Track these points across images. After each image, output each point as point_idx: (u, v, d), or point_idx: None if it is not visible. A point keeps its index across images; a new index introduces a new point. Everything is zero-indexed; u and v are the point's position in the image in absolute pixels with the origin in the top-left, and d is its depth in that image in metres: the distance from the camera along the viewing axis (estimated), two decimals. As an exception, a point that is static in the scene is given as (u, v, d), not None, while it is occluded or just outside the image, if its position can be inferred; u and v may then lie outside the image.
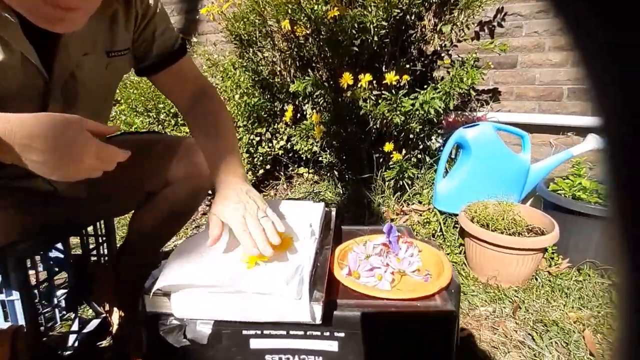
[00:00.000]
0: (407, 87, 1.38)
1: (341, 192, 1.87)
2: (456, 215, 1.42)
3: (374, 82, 1.34)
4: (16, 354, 0.67)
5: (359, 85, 1.31)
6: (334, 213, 0.93)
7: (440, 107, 1.35)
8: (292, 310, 0.53)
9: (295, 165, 2.15)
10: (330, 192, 1.89)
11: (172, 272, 0.57)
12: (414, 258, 0.72)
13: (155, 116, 1.86)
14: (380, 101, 1.36)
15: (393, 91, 1.32)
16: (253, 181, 2.02)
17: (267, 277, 0.56)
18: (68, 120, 0.57)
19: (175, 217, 0.94)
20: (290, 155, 2.16)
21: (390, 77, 1.29)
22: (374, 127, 1.48)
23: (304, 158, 2.03)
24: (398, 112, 1.33)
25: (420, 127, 1.46)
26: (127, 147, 0.94)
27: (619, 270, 0.10)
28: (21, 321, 0.76)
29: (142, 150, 0.90)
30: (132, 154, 0.90)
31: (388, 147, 1.39)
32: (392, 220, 1.58)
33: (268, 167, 2.05)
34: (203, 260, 0.62)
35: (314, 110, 1.57)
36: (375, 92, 1.38)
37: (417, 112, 1.40)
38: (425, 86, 1.45)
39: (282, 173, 2.11)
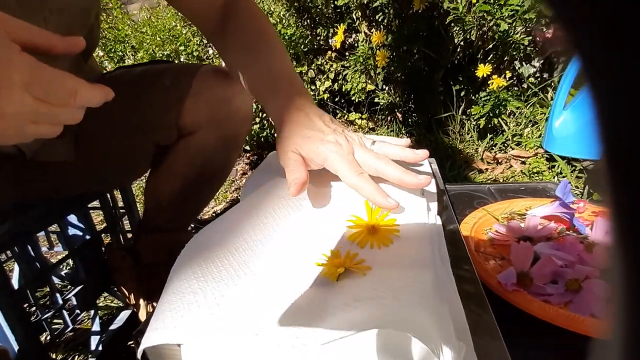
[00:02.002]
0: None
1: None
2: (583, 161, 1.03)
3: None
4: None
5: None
6: (435, 166, 0.59)
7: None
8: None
9: (345, 111, 1.80)
10: (391, 140, 1.53)
11: (177, 311, 0.28)
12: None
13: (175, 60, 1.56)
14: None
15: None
16: (296, 133, 1.71)
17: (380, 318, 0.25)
18: None
19: (201, 178, 0.66)
20: (337, 99, 1.80)
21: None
22: (460, 44, 1.06)
23: (355, 101, 1.66)
24: (504, 14, 0.90)
25: (529, 39, 1.02)
26: (121, 88, 0.66)
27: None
28: (10, 337, 0.55)
29: (142, 89, 0.61)
30: (129, 95, 0.62)
31: (483, 69, 0.99)
32: (480, 171, 1.21)
33: (312, 114, 1.71)
34: (233, 267, 0.32)
35: (373, 30, 1.17)
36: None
37: (523, 17, 0.95)
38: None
39: (329, 121, 1.77)
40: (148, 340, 0.27)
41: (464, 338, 0.24)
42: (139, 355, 0.29)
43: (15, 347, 0.56)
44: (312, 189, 0.43)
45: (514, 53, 1.07)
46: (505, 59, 1.16)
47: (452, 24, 1.02)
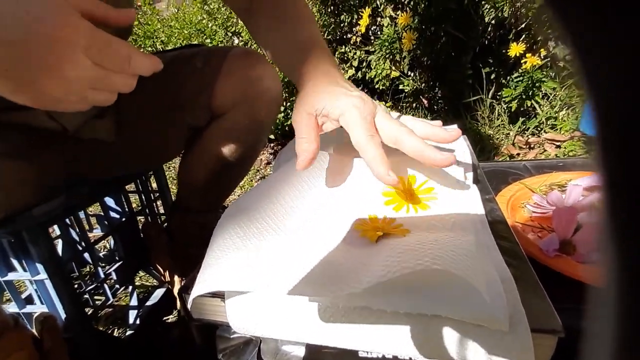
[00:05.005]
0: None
1: (432, 126, 1.48)
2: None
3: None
4: (48, 353, 0.50)
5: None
6: (467, 142, 0.57)
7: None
8: (496, 350, 0.23)
9: (369, 99, 1.78)
10: (417, 127, 1.50)
11: (223, 264, 0.29)
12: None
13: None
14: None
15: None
16: (320, 122, 1.72)
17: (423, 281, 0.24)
18: None
19: (232, 159, 0.67)
20: (360, 88, 1.79)
21: None
22: (491, 23, 1.03)
23: (379, 89, 1.64)
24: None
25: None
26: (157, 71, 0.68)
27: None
28: (58, 305, 0.59)
29: (175, 71, 0.63)
30: (164, 78, 0.64)
31: (516, 48, 0.95)
32: (511, 157, 1.17)
33: (336, 103, 1.71)
34: (273, 228, 0.33)
35: (399, 12, 1.15)
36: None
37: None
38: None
39: (352, 110, 1.76)
40: (197, 291, 0.28)
41: (510, 289, 0.24)
42: (189, 306, 0.30)
43: (63, 315, 0.59)
44: (347, 161, 0.43)
45: (549, 31, 1.02)
46: (539, 38, 1.10)
47: (483, 2, 0.98)
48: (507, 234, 0.34)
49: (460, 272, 0.20)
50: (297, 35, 0.47)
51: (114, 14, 0.34)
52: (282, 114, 1.63)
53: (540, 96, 1.12)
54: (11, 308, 0.61)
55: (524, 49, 0.97)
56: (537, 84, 1.04)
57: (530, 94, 1.06)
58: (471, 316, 0.22)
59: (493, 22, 1.04)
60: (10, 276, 0.58)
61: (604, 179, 0.10)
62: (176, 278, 0.76)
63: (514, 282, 0.25)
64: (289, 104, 1.63)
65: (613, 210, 0.10)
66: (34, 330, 0.54)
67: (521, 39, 1.03)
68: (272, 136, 1.69)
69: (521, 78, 1.04)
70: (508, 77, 1.18)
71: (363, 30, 1.23)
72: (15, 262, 0.60)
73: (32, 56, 0.29)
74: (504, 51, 1.10)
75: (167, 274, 0.77)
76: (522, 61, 0.98)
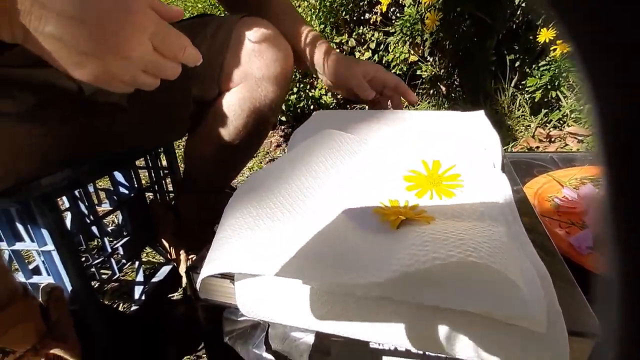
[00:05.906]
0: None
1: (448, 114, 1.43)
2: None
3: None
4: (54, 324, 0.50)
5: None
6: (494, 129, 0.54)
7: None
8: (527, 348, 0.21)
9: (384, 84, 1.73)
10: (433, 115, 1.46)
11: (234, 244, 0.28)
12: None
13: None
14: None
15: None
16: (332, 105, 1.68)
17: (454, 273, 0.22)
18: None
19: (237, 137, 0.64)
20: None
21: None
22: (521, 4, 0.97)
23: (396, 73, 1.59)
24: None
25: None
26: None
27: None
28: (65, 277, 0.58)
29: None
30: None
31: (546, 34, 0.89)
32: (530, 149, 1.13)
33: (350, 87, 1.67)
34: (287, 207, 0.31)
35: (423, -9, 1.09)
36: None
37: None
38: None
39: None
40: (207, 271, 0.26)
41: (546, 287, 0.21)
42: (197, 286, 0.29)
43: (69, 287, 0.59)
44: (366, 144, 0.40)
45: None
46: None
47: (513, -17, 0.92)
48: (538, 228, 0.31)
49: (498, 265, 0.18)
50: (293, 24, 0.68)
51: (165, 10, 0.37)
52: (295, 96, 1.59)
53: (566, 87, 1.06)
54: (18, 278, 0.61)
55: (554, 35, 0.92)
56: (564, 74, 0.99)
57: (556, 84, 1.01)
58: (506, 314, 0.19)
59: (523, 4, 0.98)
60: (18, 246, 0.58)
61: (609, 182, 0.10)
62: (182, 256, 0.76)
63: (550, 280, 0.23)
64: (301, 85, 1.59)
65: (617, 213, 0.10)
66: (40, 301, 0.54)
67: (552, 24, 0.97)
68: (283, 118, 1.66)
69: (548, 67, 0.98)
70: (533, 66, 1.12)
71: (384, 9, 1.18)
72: (23, 233, 0.59)
73: (107, 34, 0.32)
74: (531, 37, 1.05)
75: (173, 251, 0.76)
76: (551, 48, 0.93)
